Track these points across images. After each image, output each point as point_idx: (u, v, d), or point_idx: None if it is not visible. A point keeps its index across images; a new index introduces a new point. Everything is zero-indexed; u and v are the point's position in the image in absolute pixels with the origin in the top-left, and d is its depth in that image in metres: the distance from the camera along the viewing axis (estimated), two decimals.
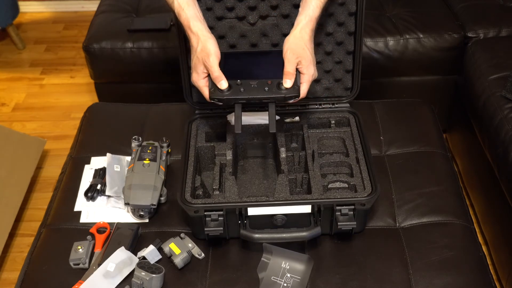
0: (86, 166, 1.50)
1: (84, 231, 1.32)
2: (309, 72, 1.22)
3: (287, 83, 1.20)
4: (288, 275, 1.20)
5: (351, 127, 1.44)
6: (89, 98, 2.60)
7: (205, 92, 1.23)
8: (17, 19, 3.00)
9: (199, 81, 1.23)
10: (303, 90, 1.22)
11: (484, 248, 1.54)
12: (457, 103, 2.12)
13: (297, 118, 1.46)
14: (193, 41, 1.23)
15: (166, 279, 1.21)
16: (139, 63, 2.09)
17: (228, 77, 1.20)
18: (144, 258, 1.23)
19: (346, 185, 1.32)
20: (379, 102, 1.68)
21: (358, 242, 1.29)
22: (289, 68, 1.20)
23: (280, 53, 1.24)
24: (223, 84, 1.19)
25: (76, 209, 1.39)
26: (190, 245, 1.26)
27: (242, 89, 1.20)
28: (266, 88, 1.20)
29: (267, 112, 1.22)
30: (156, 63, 2.09)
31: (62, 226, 1.36)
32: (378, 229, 1.32)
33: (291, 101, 1.23)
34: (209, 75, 1.22)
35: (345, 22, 1.39)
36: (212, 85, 1.21)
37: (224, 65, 1.23)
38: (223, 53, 1.25)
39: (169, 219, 1.35)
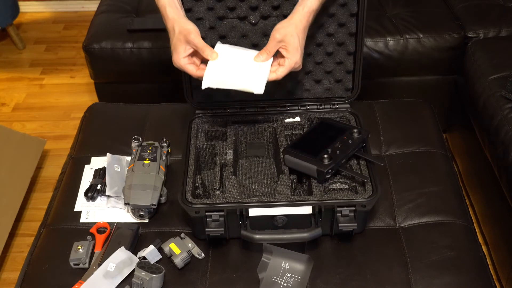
0: (86, 166, 1.50)
1: (84, 231, 1.32)
2: (293, 59, 1.21)
3: (259, 57, 1.22)
4: (288, 275, 1.20)
5: None
6: (89, 98, 2.60)
7: (189, 69, 1.24)
8: (17, 19, 3.00)
9: (181, 60, 1.23)
10: (281, 73, 1.23)
11: (484, 248, 1.54)
12: (457, 103, 2.12)
13: (297, 118, 1.46)
14: (169, 25, 1.25)
15: (166, 279, 1.21)
16: (139, 63, 2.09)
17: (321, 151, 1.28)
18: (144, 258, 1.23)
19: (347, 186, 1.32)
20: (379, 102, 1.68)
21: (358, 242, 1.29)
22: (269, 46, 1.21)
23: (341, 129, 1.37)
24: (211, 54, 1.21)
25: (76, 209, 1.39)
26: (190, 245, 1.26)
27: (338, 152, 1.30)
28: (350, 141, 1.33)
29: (254, 50, 1.26)
30: (156, 63, 2.09)
31: (62, 226, 1.36)
32: (378, 229, 1.32)
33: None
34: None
35: (346, 23, 1.38)
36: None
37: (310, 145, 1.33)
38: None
39: (169, 219, 1.35)
